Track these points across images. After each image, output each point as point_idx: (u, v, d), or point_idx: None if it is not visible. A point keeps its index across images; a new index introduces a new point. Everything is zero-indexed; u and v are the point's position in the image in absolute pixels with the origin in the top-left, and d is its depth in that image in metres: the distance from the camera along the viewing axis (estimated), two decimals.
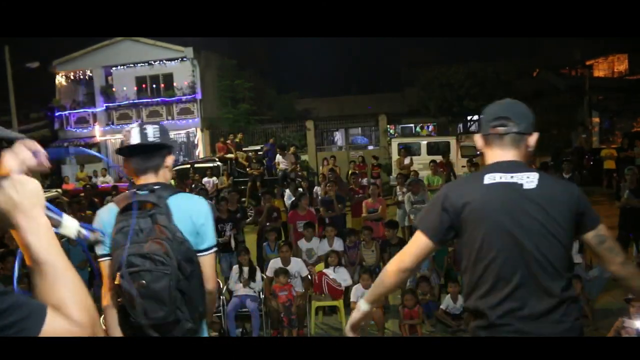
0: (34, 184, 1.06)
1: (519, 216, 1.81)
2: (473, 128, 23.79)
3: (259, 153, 15.82)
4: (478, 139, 2.03)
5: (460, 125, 24.26)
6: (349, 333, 2.18)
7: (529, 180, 1.87)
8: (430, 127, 25.41)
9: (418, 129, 26.94)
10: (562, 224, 1.81)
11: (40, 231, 1.02)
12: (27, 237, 1.00)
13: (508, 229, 1.81)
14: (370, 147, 23.89)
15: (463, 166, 12.65)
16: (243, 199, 12.38)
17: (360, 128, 29.69)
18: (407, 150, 14.76)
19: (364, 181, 14.29)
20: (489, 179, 1.89)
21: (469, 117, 23.44)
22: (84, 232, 1.19)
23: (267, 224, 8.31)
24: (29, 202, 1.03)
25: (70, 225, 1.16)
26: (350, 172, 13.05)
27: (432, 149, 16.83)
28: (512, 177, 1.88)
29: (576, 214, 1.85)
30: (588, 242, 1.91)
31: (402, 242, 7.37)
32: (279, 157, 14.07)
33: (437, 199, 1.96)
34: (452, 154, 15.30)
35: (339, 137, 29.43)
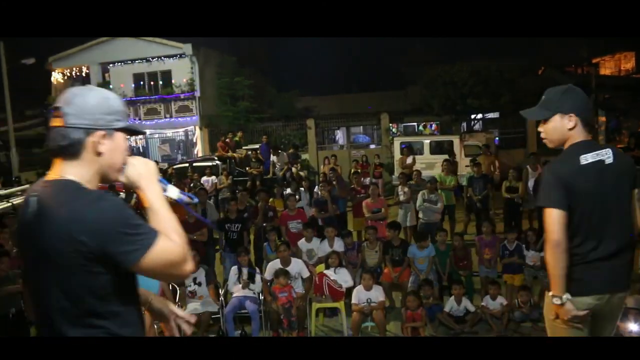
0: (151, 163, 1.73)
1: (606, 185, 2.54)
2: (477, 127, 23.76)
3: (259, 152, 15.81)
4: (571, 121, 2.58)
5: (464, 124, 24.22)
6: (573, 321, 2.59)
7: (607, 156, 2.57)
8: (433, 126, 25.34)
9: (421, 127, 26.87)
10: (627, 189, 2.62)
11: (154, 191, 1.67)
12: (146, 194, 1.66)
13: (601, 195, 2.53)
14: (372, 146, 23.85)
15: (467, 165, 12.62)
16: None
17: (361, 126, 29.62)
18: (410, 149, 14.73)
19: (367, 181, 14.29)
20: (584, 159, 2.55)
21: (472, 116, 23.39)
22: (182, 196, 1.82)
23: (265, 224, 8.31)
24: (148, 174, 1.70)
25: (173, 191, 1.78)
26: (352, 172, 13.02)
27: (435, 148, 16.80)
28: (597, 154, 2.56)
29: (633, 178, 2.63)
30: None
31: (404, 244, 7.37)
32: (273, 157, 14.08)
33: (555, 180, 2.52)
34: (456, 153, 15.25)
35: (340, 135, 29.39)
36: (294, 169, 13.82)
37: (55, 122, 1.59)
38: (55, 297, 1.53)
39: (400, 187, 9.78)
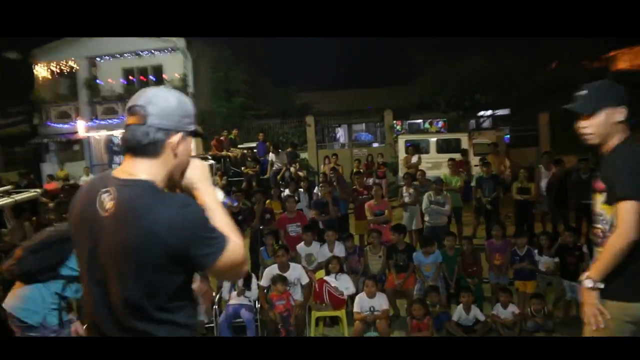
0: (206, 165, 1.90)
1: None
2: (486, 124, 23.74)
3: (255, 151, 15.79)
4: (621, 113, 2.63)
5: (473, 121, 24.20)
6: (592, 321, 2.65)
7: None
8: (440, 123, 25.32)
9: (427, 125, 26.88)
10: None
11: (211, 193, 1.85)
12: (204, 196, 1.83)
13: None
14: (375, 145, 23.83)
15: (476, 165, 12.60)
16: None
17: (364, 124, 29.64)
18: (415, 147, 14.71)
19: (369, 181, 14.24)
20: None
21: (481, 112, 23.38)
22: (226, 199, 1.94)
23: (261, 227, 8.28)
24: (205, 176, 1.87)
25: (220, 194, 1.92)
26: (354, 171, 13.00)
27: (442, 146, 16.78)
28: None
29: None
30: None
31: (409, 249, 7.35)
32: (271, 156, 14.02)
33: None
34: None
35: (341, 133, 29.38)
36: (292, 169, 13.78)
37: (136, 120, 1.75)
38: (132, 292, 1.68)
39: (405, 188, 9.75)
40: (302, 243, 7.50)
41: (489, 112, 23.39)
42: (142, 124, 1.74)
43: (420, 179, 9.97)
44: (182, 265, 1.70)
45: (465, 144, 15.90)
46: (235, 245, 1.75)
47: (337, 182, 10.12)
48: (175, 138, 1.78)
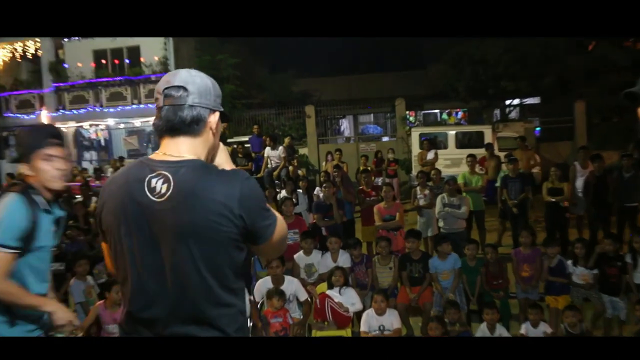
0: (226, 150, 2.17)
1: None
2: (513, 115, 23.73)
3: (246, 146, 15.80)
4: None
5: (497, 112, 24.20)
6: None
7: None
8: (460, 114, 25.36)
9: (444, 115, 26.91)
10: None
11: None
12: None
13: None
14: (385, 139, 23.84)
15: (501, 162, 12.59)
16: None
17: (372, 115, 29.70)
18: (431, 142, 14.73)
19: (378, 181, 14.22)
20: None
21: (507, 101, 23.37)
22: None
23: None
24: (228, 160, 2.13)
25: None
26: (360, 170, 13.01)
27: (462, 140, 16.78)
28: None
29: None
30: None
31: (425, 258, 7.35)
32: (268, 151, 13.99)
33: None
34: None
35: (346, 125, 29.42)
36: (290, 167, 13.78)
37: (178, 101, 1.95)
38: (200, 275, 1.86)
39: (419, 188, 9.74)
40: (301, 252, 7.50)
41: (517, 101, 23.37)
42: (184, 104, 1.95)
43: (436, 179, 9.98)
44: (247, 239, 1.93)
45: (488, 137, 15.90)
46: (281, 219, 2.04)
47: (341, 182, 10.12)
48: (214, 117, 2.02)
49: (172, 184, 1.87)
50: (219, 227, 1.84)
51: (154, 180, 1.90)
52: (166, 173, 1.90)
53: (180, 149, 1.96)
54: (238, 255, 1.92)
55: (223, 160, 2.11)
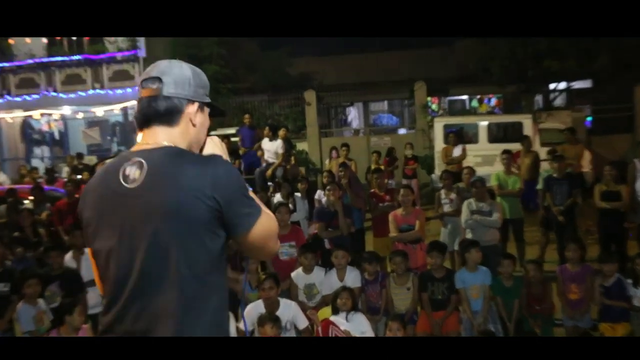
0: (223, 144, 2.46)
1: None
2: (559, 102, 23.70)
3: (233, 140, 15.79)
4: None
5: (539, 98, 24.17)
6: None
7: None
8: (494, 101, 25.34)
9: (475, 103, 26.89)
10: None
11: None
12: None
13: None
14: (402, 131, 23.87)
15: (543, 159, 12.58)
16: None
17: (386, 102, 29.71)
18: (458, 135, 14.71)
19: (393, 182, 14.20)
20: None
21: (552, 85, 23.33)
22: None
23: None
24: (225, 154, 2.38)
25: None
26: (372, 169, 13.01)
27: (496, 133, 16.78)
28: None
29: None
30: None
31: (450, 276, 7.34)
32: (265, 143, 13.96)
33: None
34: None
35: (354, 115, 29.44)
36: (286, 165, 13.76)
37: (152, 92, 2.26)
38: (170, 261, 2.09)
39: (444, 192, 9.72)
40: (300, 269, 7.50)
41: (563, 85, 23.34)
42: (158, 95, 2.26)
43: (467, 180, 9.96)
44: (223, 226, 2.15)
45: (528, 129, 15.90)
46: (269, 214, 2.26)
47: (348, 184, 10.11)
48: (192, 108, 2.31)
49: (144, 169, 2.15)
50: (190, 207, 2.08)
51: (128, 168, 2.18)
52: (140, 159, 2.18)
53: (157, 137, 2.26)
54: (212, 241, 2.15)
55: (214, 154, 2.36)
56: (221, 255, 2.21)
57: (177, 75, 2.29)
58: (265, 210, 2.25)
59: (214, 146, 2.43)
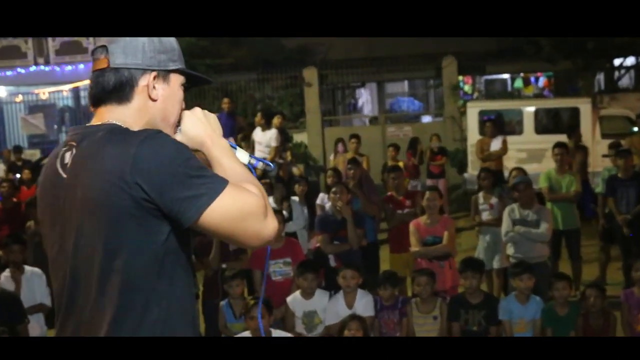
0: (214, 116, 2.48)
1: None
2: (625, 82, 23.67)
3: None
4: None
5: (600, 77, 24.15)
6: None
7: None
8: (542, 81, 25.29)
9: (518, 83, 26.87)
10: None
11: (223, 150, 2.38)
12: (213, 155, 2.35)
13: None
14: (427, 119, 23.87)
15: (604, 155, 12.58)
16: None
17: (406, 82, 29.69)
18: (497, 124, 14.72)
19: (418, 183, 14.20)
20: None
21: (616, 62, 23.32)
22: (254, 160, 2.48)
23: (223, 265, 8.30)
24: (212, 129, 2.42)
25: (243, 154, 2.47)
26: (388, 166, 13.01)
27: (545, 121, 16.78)
28: None
29: None
30: None
31: (489, 301, 7.35)
32: (257, 134, 13.97)
33: None
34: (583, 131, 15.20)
35: (366, 98, 29.44)
36: (280, 161, 13.79)
37: (99, 65, 2.30)
38: (99, 265, 2.14)
39: (482, 195, 9.73)
40: (297, 293, 7.51)
41: (631, 61, 23.35)
42: (106, 67, 2.28)
43: (513, 181, 9.95)
44: (159, 217, 2.13)
45: (587, 117, 15.89)
46: (245, 192, 2.19)
47: (358, 185, 10.12)
48: (147, 79, 2.31)
49: (74, 153, 2.23)
50: (110, 199, 2.09)
51: (65, 154, 2.27)
52: (73, 142, 2.26)
53: (105, 116, 2.31)
54: (147, 239, 2.15)
55: (195, 132, 2.42)
56: (167, 255, 2.19)
57: (127, 41, 2.31)
58: (238, 185, 2.20)
59: (195, 121, 2.43)
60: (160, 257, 2.16)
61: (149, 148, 2.11)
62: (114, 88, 2.29)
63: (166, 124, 2.38)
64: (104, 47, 2.30)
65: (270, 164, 2.64)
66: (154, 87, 2.33)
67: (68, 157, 2.24)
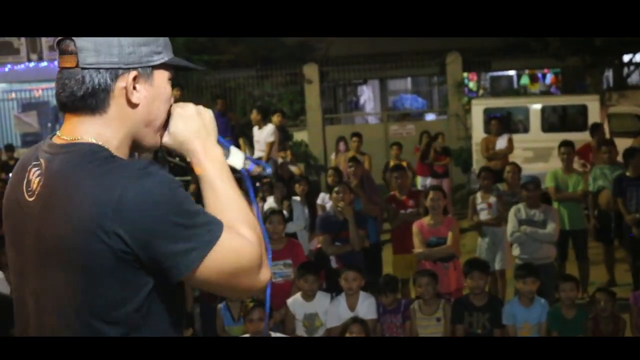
0: (210, 114, 2.19)
1: None
2: (635, 79, 23.65)
3: None
4: None
5: (609, 74, 24.14)
6: None
7: None
8: (550, 77, 25.29)
9: (525, 79, 26.86)
10: None
11: (215, 158, 2.10)
12: (201, 162, 2.07)
13: None
14: (430, 117, 23.88)
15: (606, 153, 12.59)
16: None
17: (409, 79, 29.67)
18: (503, 122, 14.72)
19: (424, 183, 14.20)
20: None
21: (625, 58, 23.32)
22: (249, 163, 2.26)
23: None
24: (205, 130, 2.13)
25: (238, 156, 2.23)
26: (391, 166, 13.02)
27: (552, 119, 16.77)
28: None
29: None
30: None
31: (493, 303, 7.36)
32: (255, 132, 13.98)
33: None
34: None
35: (368, 96, 29.44)
36: (278, 158, 13.79)
37: (66, 62, 1.98)
38: (71, 318, 1.91)
39: (480, 194, 9.73)
40: (298, 295, 7.52)
41: None
42: (74, 67, 1.96)
43: (513, 179, 9.96)
44: (141, 270, 1.88)
45: (595, 114, 15.88)
46: (241, 241, 1.97)
47: (360, 185, 10.13)
48: (126, 80, 1.99)
49: (44, 177, 1.95)
50: (85, 248, 1.83)
51: (32, 171, 2.00)
52: (43, 161, 1.98)
53: (78, 130, 2.01)
54: (125, 294, 1.90)
55: (185, 134, 2.13)
56: (150, 305, 1.94)
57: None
58: (233, 232, 1.96)
59: (187, 121, 2.13)
60: (144, 309, 1.92)
61: (136, 191, 1.82)
62: (85, 94, 1.96)
63: (151, 129, 2.09)
64: (73, 40, 1.95)
65: (267, 166, 2.40)
66: (134, 89, 2.00)
67: (35, 178, 1.97)
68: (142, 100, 2.01)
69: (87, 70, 1.95)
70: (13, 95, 21.97)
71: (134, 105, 2.00)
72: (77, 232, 1.81)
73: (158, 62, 2.05)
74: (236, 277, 1.98)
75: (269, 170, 2.37)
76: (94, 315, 1.88)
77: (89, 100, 1.96)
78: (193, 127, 2.12)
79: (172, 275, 1.88)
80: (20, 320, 2.11)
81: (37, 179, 1.95)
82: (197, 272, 1.87)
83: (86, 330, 1.88)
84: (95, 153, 1.92)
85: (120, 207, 1.79)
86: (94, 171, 1.86)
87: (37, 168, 1.98)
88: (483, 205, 9.60)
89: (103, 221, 1.79)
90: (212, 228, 1.89)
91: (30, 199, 1.96)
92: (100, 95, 1.97)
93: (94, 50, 1.94)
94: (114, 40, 1.96)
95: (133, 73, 1.99)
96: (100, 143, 1.97)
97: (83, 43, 1.94)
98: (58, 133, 2.05)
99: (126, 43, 1.97)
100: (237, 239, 1.95)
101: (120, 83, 1.98)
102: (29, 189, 1.97)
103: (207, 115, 2.17)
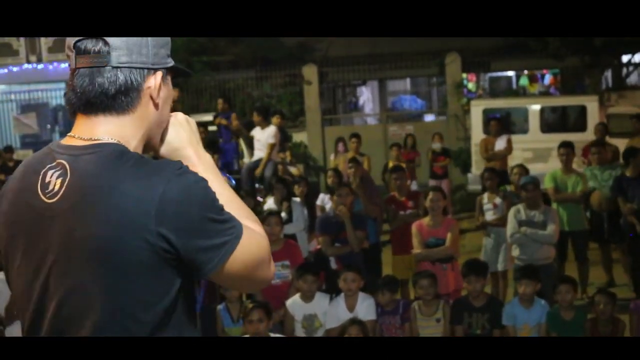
0: (192, 121, 2.23)
1: None
2: (633, 79, 23.66)
3: (211, 129, 15.81)
4: None
5: (608, 74, 24.14)
6: None
7: None
8: (549, 78, 25.28)
9: (524, 80, 26.87)
10: None
11: (207, 162, 2.15)
12: (197, 167, 2.07)
13: None
14: (429, 118, 23.87)
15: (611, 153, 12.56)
16: None
17: (408, 79, 29.67)
18: (502, 123, 14.71)
19: (416, 184, 14.18)
20: None
21: (624, 58, 23.32)
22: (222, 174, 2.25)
23: None
24: (195, 137, 2.19)
25: None
26: (390, 166, 13.02)
27: (551, 120, 16.76)
28: None
29: None
30: None
31: (493, 304, 7.35)
32: (257, 132, 13.97)
33: None
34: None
35: (367, 97, 29.43)
36: (278, 161, 13.78)
37: (92, 61, 1.97)
38: (99, 316, 1.90)
39: (487, 195, 9.72)
40: (297, 296, 7.52)
41: (639, 58, 23.32)
42: (104, 66, 1.96)
43: (516, 182, 9.95)
44: (177, 267, 1.92)
45: (594, 115, 15.88)
46: (256, 234, 2.05)
47: (359, 186, 10.12)
48: (155, 80, 2.03)
49: (67, 178, 1.92)
50: (125, 249, 1.85)
51: (49, 173, 1.96)
52: (64, 162, 1.95)
53: (98, 130, 1.99)
54: (157, 293, 1.93)
55: (181, 141, 2.17)
56: (176, 307, 1.97)
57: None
58: (248, 226, 2.01)
59: (179, 129, 2.17)
60: (170, 309, 1.94)
61: (177, 190, 1.87)
62: (117, 93, 1.96)
63: (159, 130, 2.13)
64: (102, 38, 1.95)
65: (230, 178, 2.39)
66: (158, 91, 2.04)
67: (55, 180, 1.93)
68: (161, 101, 2.07)
69: (119, 69, 1.95)
70: (12, 96, 21.96)
71: (156, 106, 2.05)
72: (118, 232, 1.83)
73: (171, 64, 2.11)
74: (256, 269, 2.05)
75: (233, 183, 2.37)
76: (127, 315, 1.90)
77: (120, 99, 1.97)
78: (185, 134, 2.17)
79: (205, 270, 1.93)
80: (34, 323, 2.04)
81: (59, 180, 1.93)
82: (227, 265, 1.93)
83: (117, 330, 1.90)
84: (124, 153, 1.94)
85: (163, 206, 1.83)
86: (130, 171, 1.89)
87: (55, 169, 1.95)
88: (489, 206, 9.59)
89: (147, 220, 1.82)
90: (236, 224, 1.96)
91: (51, 201, 1.92)
92: (133, 94, 1.99)
93: (127, 49, 1.96)
94: (143, 40, 1.99)
95: (159, 73, 2.04)
96: (121, 143, 1.98)
97: (116, 42, 1.95)
98: (71, 134, 2.03)
99: (152, 44, 2.02)
100: (254, 232, 2.03)
101: (150, 82, 2.02)
102: (48, 191, 1.93)
103: (193, 123, 2.24)
